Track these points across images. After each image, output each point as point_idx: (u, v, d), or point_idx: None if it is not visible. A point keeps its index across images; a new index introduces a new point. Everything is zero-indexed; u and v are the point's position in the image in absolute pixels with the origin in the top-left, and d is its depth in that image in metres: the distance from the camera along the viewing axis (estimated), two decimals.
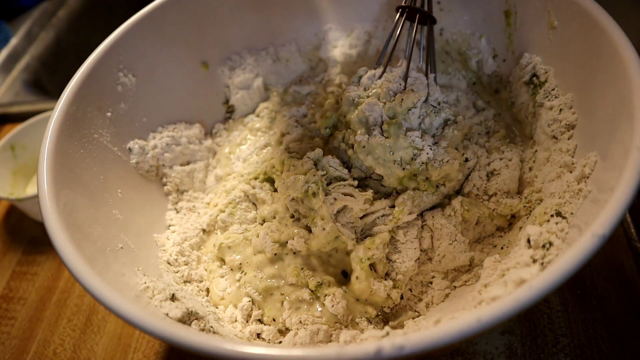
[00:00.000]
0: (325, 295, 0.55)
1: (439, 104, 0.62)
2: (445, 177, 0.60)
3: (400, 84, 0.61)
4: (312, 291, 0.56)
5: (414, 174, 0.59)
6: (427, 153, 0.59)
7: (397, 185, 0.61)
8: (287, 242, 0.59)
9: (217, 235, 0.64)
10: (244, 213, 0.64)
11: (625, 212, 0.37)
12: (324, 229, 0.56)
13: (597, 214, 0.38)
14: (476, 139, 0.65)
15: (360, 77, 0.65)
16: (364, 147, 0.60)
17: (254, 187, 0.65)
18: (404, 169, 0.59)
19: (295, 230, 0.59)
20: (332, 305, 0.54)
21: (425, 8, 0.63)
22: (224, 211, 0.65)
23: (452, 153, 0.60)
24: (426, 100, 0.61)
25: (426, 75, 0.63)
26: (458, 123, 0.62)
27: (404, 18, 0.64)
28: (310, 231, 0.58)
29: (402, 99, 0.59)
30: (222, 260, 0.62)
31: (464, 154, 0.61)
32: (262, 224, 0.62)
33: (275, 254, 0.59)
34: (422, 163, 0.59)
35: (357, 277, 0.56)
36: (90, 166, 0.57)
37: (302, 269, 0.57)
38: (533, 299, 0.33)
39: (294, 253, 0.58)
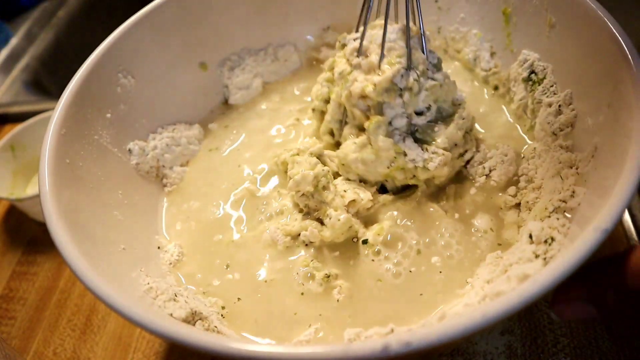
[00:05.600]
0: (332, 288, 0.55)
1: (423, 73, 0.57)
2: (434, 177, 0.59)
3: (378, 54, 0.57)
4: (319, 284, 0.56)
5: (401, 167, 0.58)
6: (413, 157, 0.57)
7: (382, 178, 0.60)
8: (299, 235, 0.59)
9: (224, 234, 0.63)
10: (249, 210, 0.64)
11: (625, 206, 0.37)
12: (339, 220, 0.56)
13: (598, 209, 0.38)
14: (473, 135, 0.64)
15: (344, 45, 0.63)
16: (342, 164, 0.60)
17: (258, 185, 0.65)
18: (388, 167, 0.58)
19: (308, 222, 0.59)
20: (340, 298, 0.54)
21: None
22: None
23: (444, 156, 0.58)
24: (411, 69, 0.57)
25: (407, 37, 0.57)
26: (462, 118, 0.60)
27: None
28: (322, 224, 0.58)
29: (375, 83, 0.56)
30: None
31: (462, 153, 0.61)
32: (269, 220, 0.62)
33: (287, 247, 0.59)
34: (409, 160, 0.57)
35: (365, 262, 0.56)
36: (91, 167, 0.57)
37: (312, 260, 0.57)
38: (537, 293, 0.33)
39: (306, 245, 0.59)
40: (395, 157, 0.57)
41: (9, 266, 0.78)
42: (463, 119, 0.60)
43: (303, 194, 0.59)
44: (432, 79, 0.58)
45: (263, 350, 0.34)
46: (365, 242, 0.57)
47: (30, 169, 0.86)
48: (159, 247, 0.61)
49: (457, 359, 0.57)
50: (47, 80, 1.19)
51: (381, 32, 0.58)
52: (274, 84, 0.80)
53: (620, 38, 0.47)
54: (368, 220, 0.59)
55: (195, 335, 0.36)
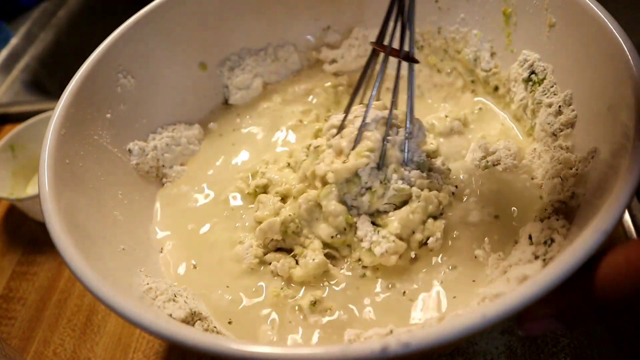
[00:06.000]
0: (325, 310, 0.52)
1: (396, 171, 0.54)
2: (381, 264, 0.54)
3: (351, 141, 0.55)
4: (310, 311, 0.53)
5: (347, 244, 0.56)
6: (362, 235, 0.54)
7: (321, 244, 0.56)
8: (270, 263, 0.56)
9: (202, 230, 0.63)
10: (233, 213, 0.63)
11: (625, 207, 0.37)
12: (313, 260, 0.54)
13: (597, 210, 0.38)
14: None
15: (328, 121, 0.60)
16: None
17: (250, 189, 0.64)
18: (332, 237, 0.55)
19: (281, 255, 0.57)
20: (333, 319, 0.52)
21: (406, 48, 0.53)
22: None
23: (395, 244, 0.52)
24: (379, 168, 0.54)
25: (385, 133, 0.54)
26: (420, 201, 0.54)
27: (380, 56, 0.56)
28: (296, 262, 0.56)
29: (333, 171, 0.54)
30: None
31: (422, 242, 0.54)
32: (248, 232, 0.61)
33: (251, 269, 0.56)
34: (357, 239, 0.54)
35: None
36: (91, 167, 0.57)
37: (281, 288, 0.54)
38: (536, 294, 0.33)
39: (274, 276, 0.56)
40: (344, 229, 0.55)
41: (9, 266, 0.78)
42: (419, 201, 0.54)
43: (272, 240, 0.57)
44: (408, 182, 0.55)
45: (262, 350, 0.34)
46: (364, 276, 0.55)
47: (30, 169, 0.86)
48: (158, 247, 0.61)
49: (457, 358, 0.57)
50: (47, 80, 1.19)
51: (369, 113, 0.55)
52: (275, 84, 0.80)
53: (620, 38, 0.47)
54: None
55: (194, 335, 0.36)
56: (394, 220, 0.53)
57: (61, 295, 0.73)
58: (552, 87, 0.58)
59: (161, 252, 0.60)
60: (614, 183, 0.39)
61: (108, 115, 0.62)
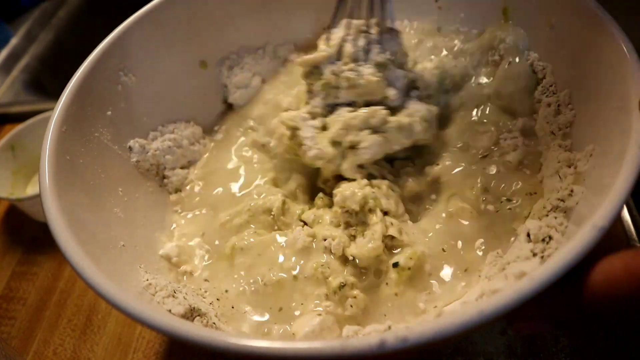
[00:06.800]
0: (347, 298, 0.52)
1: (347, 64, 0.60)
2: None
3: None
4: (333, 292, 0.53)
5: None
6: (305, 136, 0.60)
7: None
8: (324, 239, 0.56)
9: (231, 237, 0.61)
10: (263, 217, 0.62)
11: (622, 204, 0.37)
12: (370, 244, 0.53)
13: (595, 208, 0.38)
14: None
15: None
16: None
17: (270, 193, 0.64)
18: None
19: (339, 233, 0.56)
20: (352, 312, 0.52)
21: None
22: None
23: (324, 151, 0.59)
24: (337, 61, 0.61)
25: (346, 33, 0.62)
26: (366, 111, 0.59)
27: None
28: (353, 239, 0.56)
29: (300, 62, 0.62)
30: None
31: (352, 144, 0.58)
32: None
33: (305, 247, 0.56)
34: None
35: (386, 284, 0.54)
36: (91, 165, 0.57)
37: (322, 265, 0.54)
38: (534, 290, 0.33)
39: (325, 252, 0.55)
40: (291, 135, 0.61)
41: (9, 266, 0.78)
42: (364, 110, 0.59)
43: (347, 211, 0.56)
44: (358, 74, 0.59)
45: (261, 345, 0.34)
46: (396, 265, 0.54)
47: (30, 169, 0.86)
48: (158, 244, 0.61)
49: (457, 358, 0.57)
50: (47, 80, 1.19)
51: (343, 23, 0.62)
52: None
53: (620, 38, 0.47)
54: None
55: (194, 330, 0.36)
56: (336, 123, 0.59)
57: (61, 295, 0.73)
58: (551, 86, 0.58)
59: (172, 259, 0.60)
60: (612, 181, 0.39)
61: (109, 113, 0.63)
